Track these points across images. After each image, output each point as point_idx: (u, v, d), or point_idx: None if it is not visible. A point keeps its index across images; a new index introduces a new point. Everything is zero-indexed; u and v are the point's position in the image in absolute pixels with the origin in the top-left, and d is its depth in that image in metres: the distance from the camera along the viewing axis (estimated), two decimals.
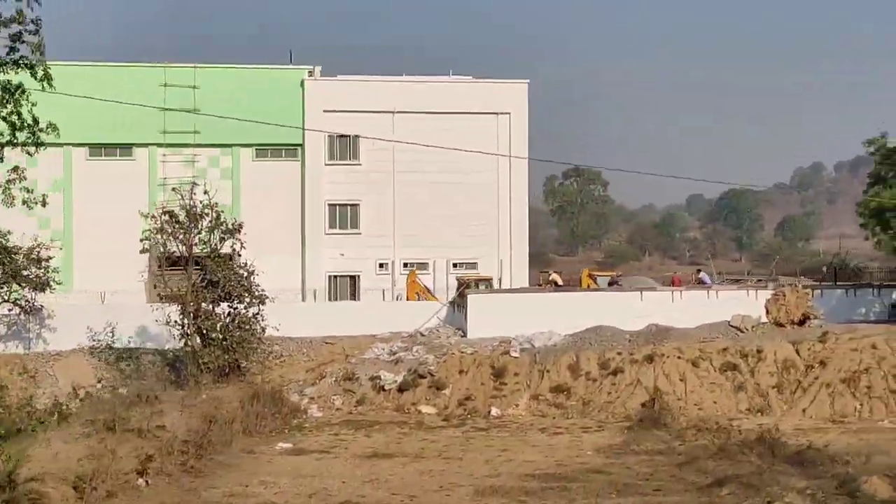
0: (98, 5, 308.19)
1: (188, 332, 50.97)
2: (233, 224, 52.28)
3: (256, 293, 51.65)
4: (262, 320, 51.85)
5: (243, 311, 51.69)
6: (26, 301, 56.65)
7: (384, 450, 41.90)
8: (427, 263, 69.43)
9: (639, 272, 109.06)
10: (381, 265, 69.31)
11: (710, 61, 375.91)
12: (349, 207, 69.45)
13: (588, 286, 66.23)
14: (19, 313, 57.19)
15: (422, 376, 52.30)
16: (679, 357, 52.46)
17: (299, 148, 69.20)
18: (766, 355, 52.76)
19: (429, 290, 64.01)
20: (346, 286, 69.35)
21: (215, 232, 51.82)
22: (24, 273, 55.80)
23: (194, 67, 68.54)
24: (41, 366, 55.35)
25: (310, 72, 70.09)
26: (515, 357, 53.47)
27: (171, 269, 54.56)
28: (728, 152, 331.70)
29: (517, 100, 70.79)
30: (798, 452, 37.65)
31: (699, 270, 68.87)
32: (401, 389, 51.93)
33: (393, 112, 69.44)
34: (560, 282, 63.59)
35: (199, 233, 51.56)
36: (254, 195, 68.87)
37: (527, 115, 70.92)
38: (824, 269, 70.54)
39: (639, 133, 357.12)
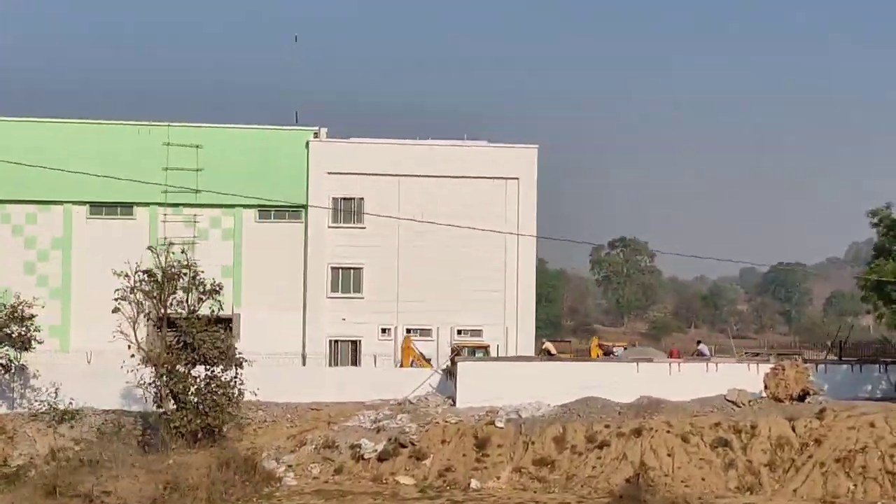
0: (99, 62, 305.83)
1: (162, 394, 49.69)
2: (212, 285, 51.05)
3: (234, 356, 50.31)
4: (241, 384, 50.49)
5: (220, 374, 50.35)
6: (9, 360, 55.72)
7: None
8: (430, 330, 67.79)
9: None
10: (383, 330, 67.69)
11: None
12: (352, 271, 68.03)
13: (598, 356, 64.31)
14: (3, 372, 56.26)
15: (402, 445, 50.71)
16: (668, 431, 50.57)
17: (303, 210, 67.93)
18: (759, 431, 50.82)
19: (423, 357, 62.33)
20: (348, 351, 67.75)
21: (192, 292, 50.60)
22: (6, 331, 54.88)
23: (197, 127, 67.75)
24: (21, 426, 54.32)
25: (315, 133, 69.07)
26: (500, 427, 51.79)
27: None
28: (782, 224, 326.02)
29: (526, 164, 69.25)
30: None
31: (699, 342, 66.78)
32: (380, 459, 50.44)
33: (399, 175, 68.12)
34: (553, 351, 61.75)
35: (173, 293, 50.34)
36: (256, 257, 67.66)
37: (535, 180, 69.34)
38: (829, 343, 68.01)
39: (690, 204, 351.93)
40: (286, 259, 67.88)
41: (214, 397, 49.67)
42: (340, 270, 67.95)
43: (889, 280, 53.35)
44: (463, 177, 68.53)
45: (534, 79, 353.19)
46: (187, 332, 50.15)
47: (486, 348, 63.01)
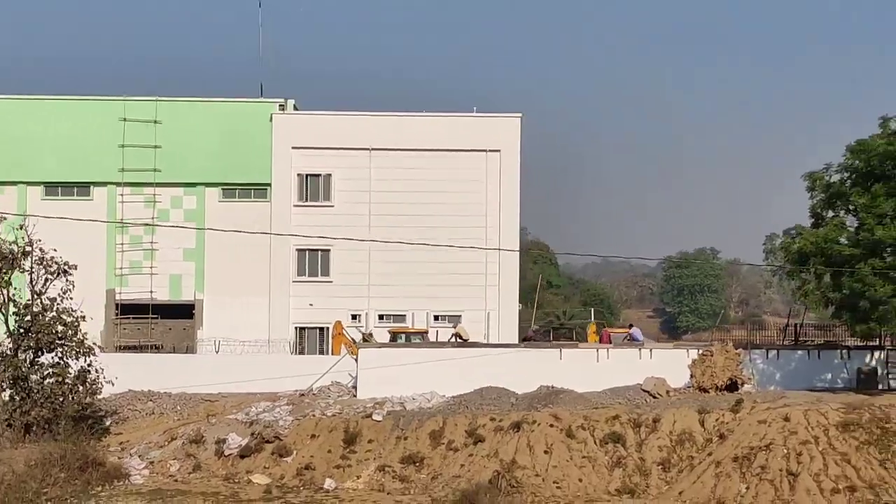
0: (52, 35, 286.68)
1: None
2: (60, 265, 46.65)
3: (82, 342, 46.26)
4: (100, 373, 46.59)
5: (70, 362, 46.48)
6: None
7: None
8: (405, 315, 63.11)
9: None
10: (353, 316, 63.07)
11: None
12: (319, 253, 63.54)
13: (598, 341, 58.72)
14: None
15: (267, 441, 45.99)
16: (552, 425, 44.93)
17: (269, 188, 63.68)
18: (661, 426, 44.90)
19: (356, 343, 57.36)
20: (315, 338, 63.33)
21: (38, 272, 46.51)
22: None
23: (156, 101, 63.98)
24: None
25: (281, 105, 64.69)
26: (378, 421, 46.76)
27: None
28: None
29: (509, 136, 63.84)
30: None
31: (630, 326, 60.73)
32: (242, 455, 45.83)
33: (370, 149, 63.36)
34: (466, 336, 56.10)
35: (7, 274, 46.31)
36: (220, 238, 63.41)
37: (519, 153, 63.88)
38: (784, 327, 61.17)
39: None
40: (252, 241, 63.45)
41: (61, 386, 45.73)
42: (307, 252, 63.59)
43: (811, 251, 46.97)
44: (439, 150, 63.76)
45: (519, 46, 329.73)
46: (22, 315, 46.11)
47: (423, 333, 57.91)
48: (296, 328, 63.26)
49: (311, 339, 63.38)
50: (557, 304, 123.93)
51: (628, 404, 48.15)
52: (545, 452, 44.03)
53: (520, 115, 64.25)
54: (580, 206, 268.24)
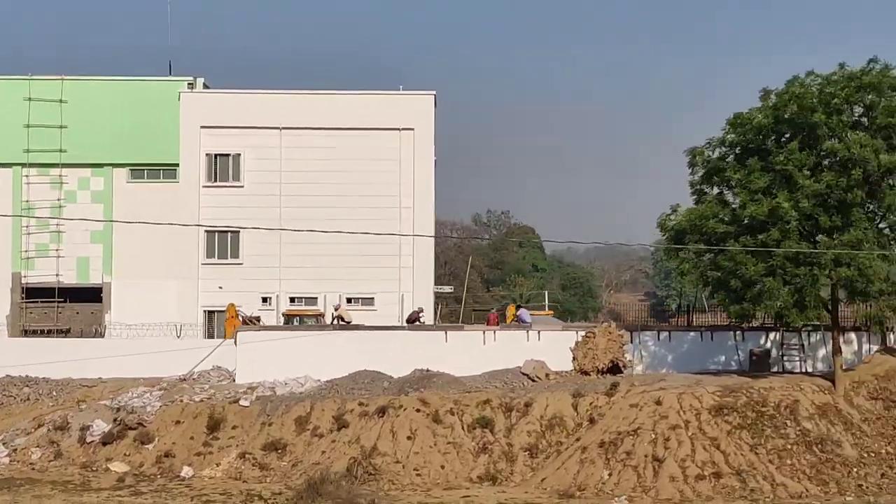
0: None
1: None
2: None
3: None
4: None
5: None
6: None
7: None
8: (316, 298, 61.35)
9: None
10: (264, 299, 61.45)
11: None
12: (229, 234, 61.79)
13: (509, 322, 57.08)
14: None
15: (130, 427, 44.56)
16: (419, 410, 43.50)
17: (178, 168, 62.06)
18: (533, 410, 43.35)
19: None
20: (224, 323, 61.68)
21: None
22: None
23: (62, 80, 62.41)
24: None
25: (190, 84, 63.03)
26: (245, 406, 45.27)
27: None
28: None
29: (422, 114, 62.01)
30: None
31: (519, 307, 59.07)
32: (104, 442, 44.47)
33: (280, 128, 61.68)
34: (348, 318, 54.38)
35: None
36: (129, 220, 61.81)
37: (433, 131, 62.12)
38: (674, 308, 59.31)
39: None
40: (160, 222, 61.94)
41: None
42: (216, 234, 61.84)
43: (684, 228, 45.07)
44: (351, 128, 61.89)
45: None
46: None
47: (319, 316, 56.28)
48: (205, 311, 61.63)
49: (220, 323, 61.68)
50: (531, 286, 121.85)
51: (504, 388, 46.74)
52: (408, 438, 42.62)
53: (433, 92, 62.45)
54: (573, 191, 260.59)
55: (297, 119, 61.76)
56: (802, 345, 50.05)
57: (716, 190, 47.15)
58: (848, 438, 41.43)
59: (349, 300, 61.17)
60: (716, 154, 46.74)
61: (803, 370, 48.91)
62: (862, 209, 44.10)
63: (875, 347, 49.31)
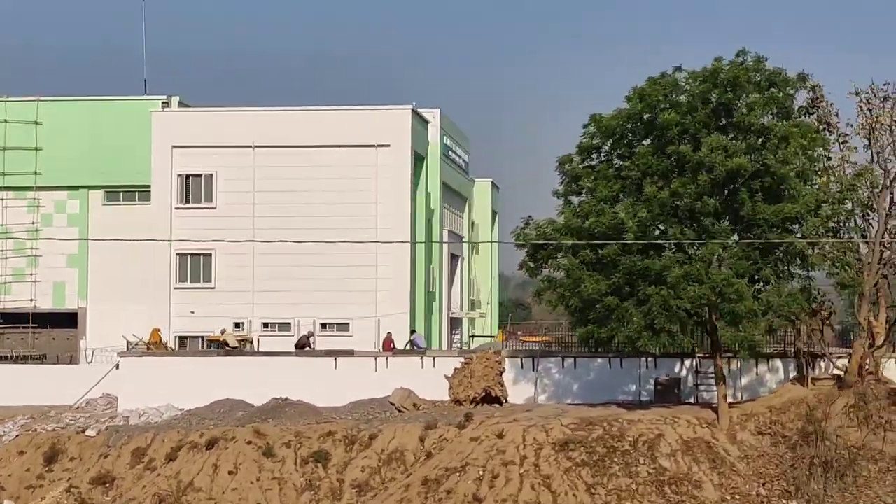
0: None
1: None
2: None
3: None
4: None
5: None
6: None
7: None
8: (290, 323, 58.87)
9: None
10: (237, 325, 59.17)
11: None
12: (202, 257, 59.82)
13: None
14: None
15: None
16: (250, 443, 40.76)
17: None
18: (376, 443, 40.79)
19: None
20: (198, 348, 59.61)
21: None
22: None
23: (37, 101, 61.42)
24: None
25: (164, 102, 61.31)
26: (91, 437, 43.22)
27: None
28: None
29: (399, 129, 58.99)
30: None
31: (413, 331, 55.32)
32: None
33: (254, 147, 59.42)
34: (233, 343, 51.60)
35: None
36: (104, 244, 60.11)
37: (410, 147, 59.06)
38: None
39: None
40: (135, 245, 60.05)
41: None
42: (189, 257, 59.93)
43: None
44: (326, 146, 59.25)
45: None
46: None
47: (244, 342, 53.95)
48: (177, 337, 59.69)
49: (193, 349, 59.75)
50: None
51: (360, 419, 44.14)
52: (230, 473, 40.59)
53: (410, 106, 59.40)
54: None
55: (271, 136, 59.44)
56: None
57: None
58: (713, 478, 37.73)
59: (323, 326, 58.66)
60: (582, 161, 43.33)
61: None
62: (716, 220, 39.89)
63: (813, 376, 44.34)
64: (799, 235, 40.92)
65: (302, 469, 40.42)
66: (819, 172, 42.60)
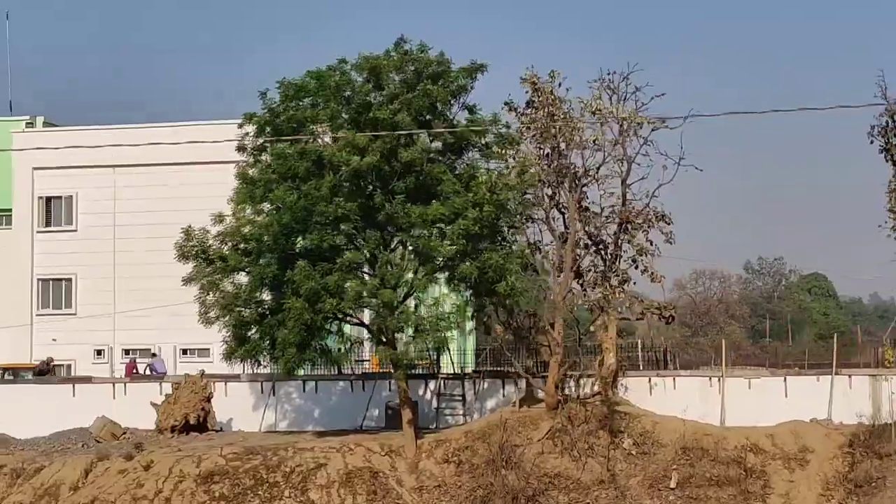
0: None
1: None
2: None
3: None
4: None
5: None
6: None
7: None
8: (150, 349, 56.19)
9: None
10: (98, 352, 56.74)
11: None
12: (63, 283, 57.51)
13: None
14: None
15: None
16: None
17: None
18: (39, 477, 37.99)
19: None
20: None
21: None
22: None
23: None
24: None
25: (29, 122, 59.18)
26: None
27: None
28: None
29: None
30: None
31: (154, 355, 52.42)
32: None
33: (114, 166, 57.00)
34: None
35: None
36: None
37: None
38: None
39: None
40: None
41: None
42: (50, 282, 57.59)
43: None
44: (185, 163, 56.45)
45: None
46: None
47: (47, 364, 51.60)
48: None
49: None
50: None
51: (48, 449, 41.88)
52: None
53: None
54: None
55: (132, 155, 56.69)
56: (464, 395, 42.53)
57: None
58: None
59: (184, 351, 55.84)
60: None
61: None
62: (353, 225, 37.84)
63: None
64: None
65: None
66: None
